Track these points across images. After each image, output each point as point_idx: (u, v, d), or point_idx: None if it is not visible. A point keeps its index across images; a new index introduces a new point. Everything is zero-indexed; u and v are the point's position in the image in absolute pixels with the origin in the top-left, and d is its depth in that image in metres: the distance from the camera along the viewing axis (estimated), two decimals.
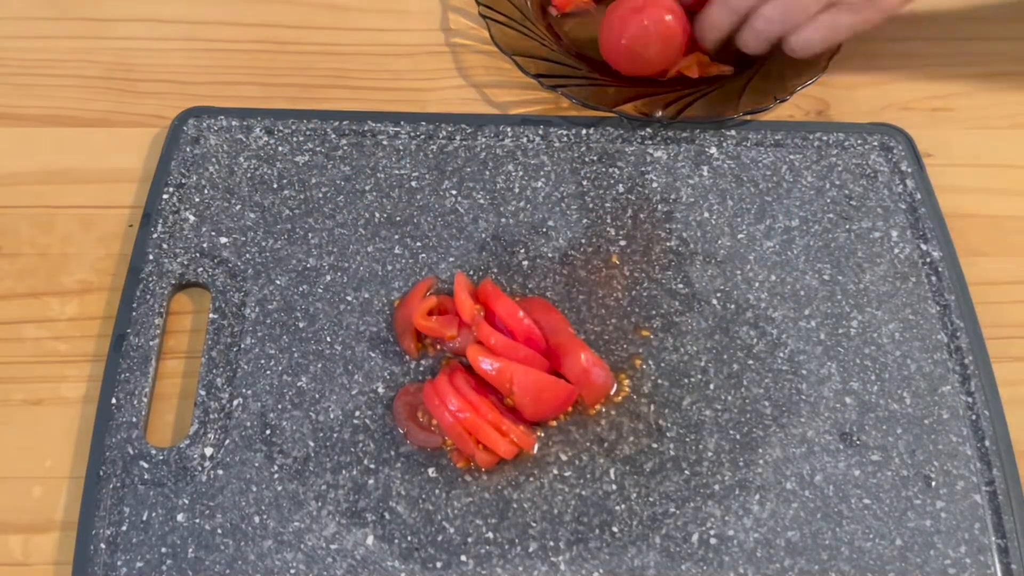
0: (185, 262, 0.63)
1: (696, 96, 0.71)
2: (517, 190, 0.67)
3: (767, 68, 0.73)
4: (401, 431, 0.57)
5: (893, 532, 0.55)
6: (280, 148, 0.68)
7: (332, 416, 0.57)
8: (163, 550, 0.53)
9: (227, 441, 0.56)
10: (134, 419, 0.57)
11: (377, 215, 0.65)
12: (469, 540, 0.54)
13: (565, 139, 0.69)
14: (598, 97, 0.70)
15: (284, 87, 0.73)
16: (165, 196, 0.65)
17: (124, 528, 0.53)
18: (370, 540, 0.54)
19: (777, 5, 0.68)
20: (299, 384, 0.58)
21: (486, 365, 0.56)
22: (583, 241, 0.65)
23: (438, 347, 0.60)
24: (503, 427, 0.55)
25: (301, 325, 0.60)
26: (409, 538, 0.54)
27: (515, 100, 0.73)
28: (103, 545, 0.53)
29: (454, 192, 0.66)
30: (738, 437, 0.57)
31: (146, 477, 0.55)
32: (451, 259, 0.63)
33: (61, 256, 0.65)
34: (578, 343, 0.58)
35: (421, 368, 0.59)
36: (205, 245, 0.63)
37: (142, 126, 0.71)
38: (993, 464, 0.57)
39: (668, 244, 0.65)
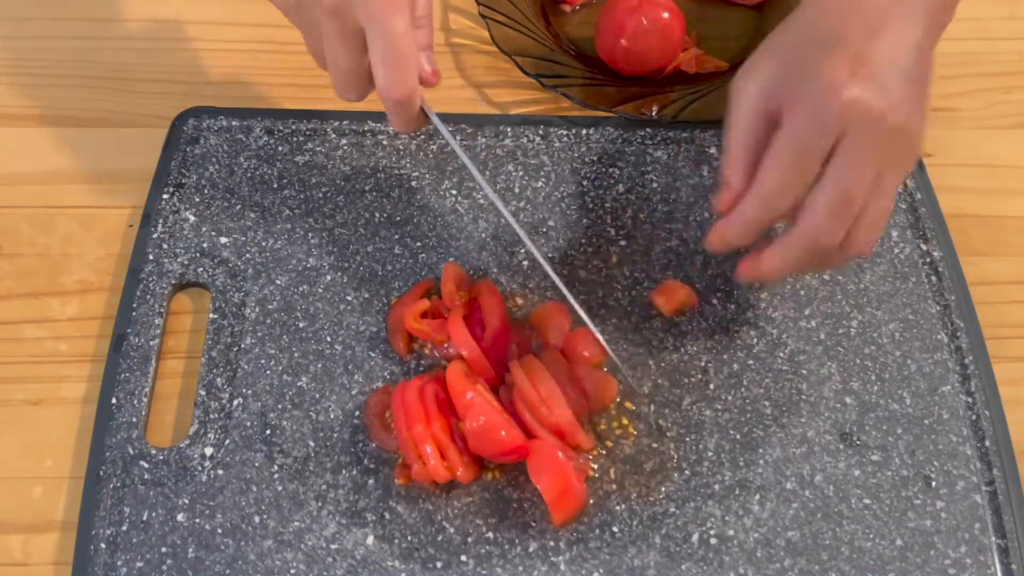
0: (185, 262, 0.63)
1: (696, 96, 0.71)
2: (517, 190, 0.67)
3: None
4: (365, 424, 0.57)
5: (893, 532, 0.55)
6: (280, 148, 0.68)
7: (332, 416, 0.57)
8: (163, 550, 0.53)
9: (227, 441, 0.56)
10: (134, 419, 0.57)
11: (377, 215, 0.65)
12: (469, 540, 0.54)
13: (565, 139, 0.69)
14: (598, 97, 0.70)
15: (284, 87, 0.73)
16: (165, 196, 0.65)
17: (124, 528, 0.53)
18: (370, 540, 0.54)
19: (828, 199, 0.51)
20: (299, 384, 0.58)
21: (456, 385, 0.55)
22: (583, 241, 0.65)
23: (431, 351, 0.60)
24: (446, 451, 0.54)
25: (301, 325, 0.60)
26: (409, 538, 0.54)
27: (515, 100, 0.73)
28: (103, 545, 0.53)
29: (454, 192, 0.66)
30: (738, 437, 0.57)
31: (146, 477, 0.55)
32: (451, 259, 0.63)
33: (61, 256, 0.65)
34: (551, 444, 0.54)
35: (420, 369, 0.59)
36: (205, 245, 0.63)
37: (142, 126, 0.71)
38: (993, 464, 0.57)
39: (668, 244, 0.65)
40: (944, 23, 0.55)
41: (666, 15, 0.71)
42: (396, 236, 0.64)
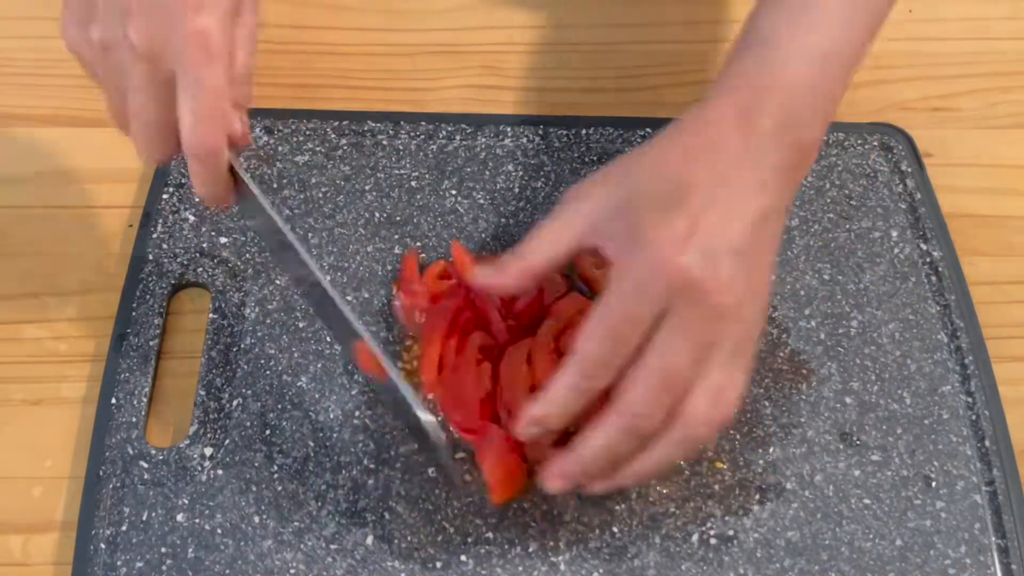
0: (185, 262, 0.63)
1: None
2: (517, 190, 0.67)
3: None
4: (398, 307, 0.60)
5: (893, 532, 0.55)
6: (280, 148, 0.68)
7: (332, 416, 0.57)
8: (163, 550, 0.53)
9: (227, 441, 0.56)
10: (134, 419, 0.57)
11: (377, 215, 0.65)
12: (469, 540, 0.54)
13: (565, 139, 0.69)
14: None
15: (284, 87, 0.73)
16: (165, 196, 0.65)
17: (124, 528, 0.53)
18: (370, 540, 0.54)
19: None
20: (299, 384, 0.58)
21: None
22: None
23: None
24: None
25: (301, 325, 0.60)
26: (409, 538, 0.54)
27: (515, 100, 0.73)
28: (103, 545, 0.53)
29: (454, 192, 0.66)
30: (738, 437, 0.57)
31: (146, 477, 0.55)
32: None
33: (61, 256, 0.65)
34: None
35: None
36: (205, 245, 0.63)
37: None
38: (993, 464, 0.57)
39: None
40: (798, 180, 0.52)
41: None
42: (396, 236, 0.64)
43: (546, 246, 0.51)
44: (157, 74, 0.46)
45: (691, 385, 0.48)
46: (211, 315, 0.61)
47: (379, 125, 0.69)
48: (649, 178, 0.49)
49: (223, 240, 0.64)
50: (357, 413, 0.58)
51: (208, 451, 0.56)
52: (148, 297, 0.61)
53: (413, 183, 0.67)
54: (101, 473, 0.55)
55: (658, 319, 0.47)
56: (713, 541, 0.54)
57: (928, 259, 0.64)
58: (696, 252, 0.47)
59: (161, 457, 0.56)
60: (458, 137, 0.69)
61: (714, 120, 0.50)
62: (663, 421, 0.48)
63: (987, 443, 0.57)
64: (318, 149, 0.68)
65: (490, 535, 0.54)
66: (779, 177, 0.49)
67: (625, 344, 0.47)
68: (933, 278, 0.63)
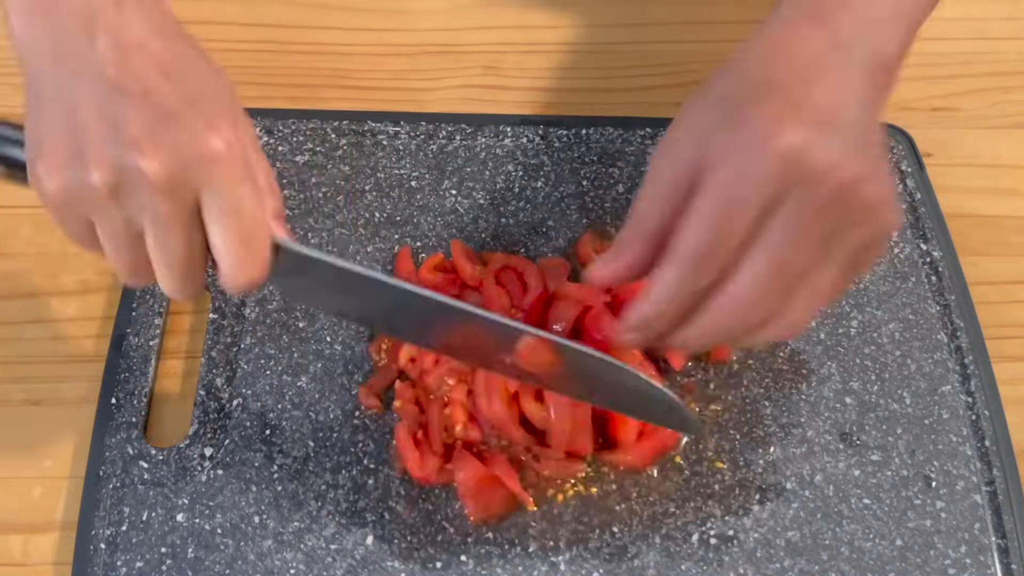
0: None
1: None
2: (517, 190, 0.67)
3: None
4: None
5: (893, 532, 0.55)
6: (280, 148, 0.68)
7: (332, 416, 0.57)
8: (163, 550, 0.53)
9: (227, 441, 0.56)
10: (134, 419, 0.57)
11: (377, 215, 0.65)
12: (469, 540, 0.54)
13: (565, 139, 0.69)
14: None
15: (284, 87, 0.73)
16: None
17: (124, 528, 0.53)
18: (370, 540, 0.54)
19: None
20: (299, 384, 0.58)
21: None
22: None
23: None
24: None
25: (301, 325, 0.60)
26: (409, 538, 0.54)
27: (515, 100, 0.73)
28: (103, 545, 0.53)
29: (454, 192, 0.66)
30: (738, 437, 0.57)
31: (146, 477, 0.55)
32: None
33: (61, 256, 0.65)
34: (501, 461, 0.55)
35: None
36: None
37: None
38: (993, 464, 0.57)
39: None
40: (887, 88, 0.46)
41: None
42: (396, 236, 0.64)
43: (654, 194, 0.45)
44: (180, 206, 0.41)
45: (800, 282, 0.43)
46: (211, 315, 0.61)
47: (379, 125, 0.69)
48: (738, 83, 0.44)
49: None
50: (357, 413, 0.58)
51: (208, 451, 0.56)
52: (148, 297, 0.61)
53: (413, 183, 0.67)
54: (101, 473, 0.55)
55: (767, 209, 0.41)
56: (713, 541, 0.54)
57: (928, 259, 0.64)
58: (802, 124, 0.41)
59: (161, 457, 0.56)
60: (458, 137, 0.69)
61: (792, 22, 0.45)
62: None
63: (987, 443, 0.57)
64: (318, 149, 0.68)
65: (490, 535, 0.54)
66: (867, 74, 0.44)
67: (730, 235, 0.42)
68: (933, 278, 0.63)
